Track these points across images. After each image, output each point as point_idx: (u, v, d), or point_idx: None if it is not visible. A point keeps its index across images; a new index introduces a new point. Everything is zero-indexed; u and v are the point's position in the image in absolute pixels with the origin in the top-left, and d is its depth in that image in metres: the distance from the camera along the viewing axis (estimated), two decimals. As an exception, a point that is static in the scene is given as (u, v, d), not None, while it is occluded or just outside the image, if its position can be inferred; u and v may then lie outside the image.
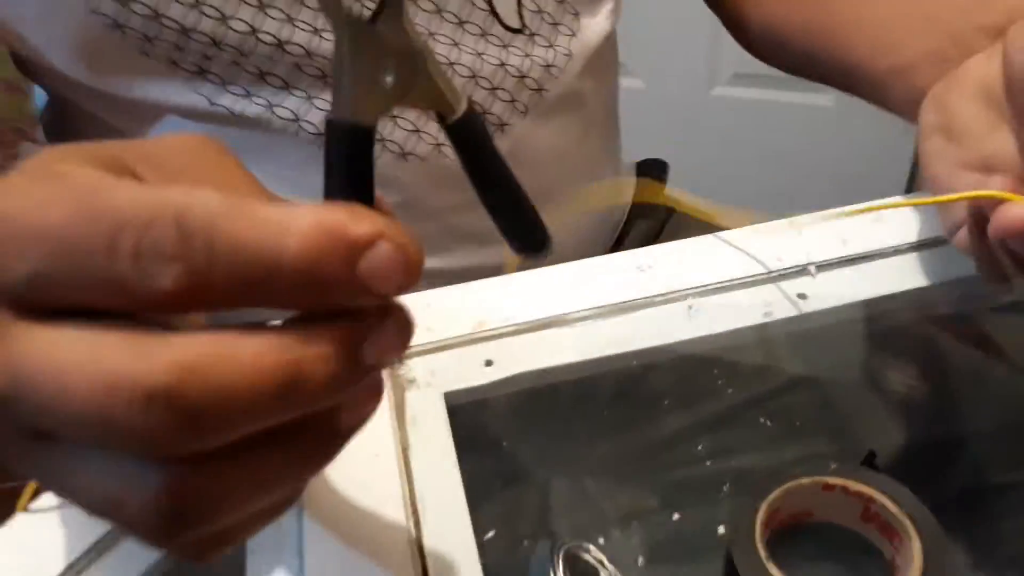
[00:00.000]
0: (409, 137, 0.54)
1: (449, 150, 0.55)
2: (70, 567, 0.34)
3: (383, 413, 0.39)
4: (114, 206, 0.19)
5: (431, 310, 0.45)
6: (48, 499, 0.36)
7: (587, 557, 0.31)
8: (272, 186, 0.55)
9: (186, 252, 0.19)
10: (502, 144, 0.58)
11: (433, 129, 0.55)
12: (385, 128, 0.53)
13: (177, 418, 0.19)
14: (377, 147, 0.53)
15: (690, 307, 0.43)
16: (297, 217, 0.19)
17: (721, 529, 0.31)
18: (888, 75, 0.50)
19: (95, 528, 0.35)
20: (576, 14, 0.59)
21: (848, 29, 0.55)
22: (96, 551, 0.34)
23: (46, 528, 0.35)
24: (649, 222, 0.74)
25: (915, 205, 0.45)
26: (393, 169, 0.54)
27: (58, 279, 0.20)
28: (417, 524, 0.34)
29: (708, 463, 0.35)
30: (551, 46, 0.58)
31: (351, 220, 0.20)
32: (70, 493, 0.22)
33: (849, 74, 0.55)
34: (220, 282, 0.19)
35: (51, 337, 0.20)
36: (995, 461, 0.36)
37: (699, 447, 0.36)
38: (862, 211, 0.43)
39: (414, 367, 0.41)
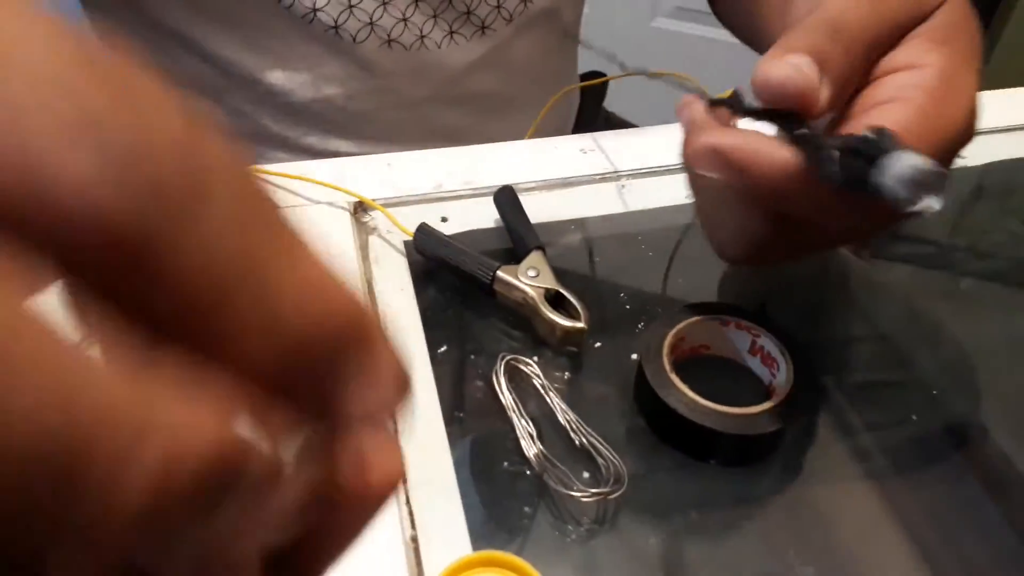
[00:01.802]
0: (397, 24, 0.56)
1: (432, 43, 0.58)
2: None
3: (347, 251, 0.44)
4: None
5: (392, 169, 0.49)
6: None
7: (524, 369, 0.37)
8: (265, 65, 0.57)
9: None
10: (480, 46, 0.61)
11: (420, 20, 0.57)
12: (375, 13, 0.55)
13: None
14: (365, 30, 0.55)
15: (622, 186, 0.49)
16: None
17: (635, 356, 0.38)
18: None
19: None
20: None
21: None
22: None
23: None
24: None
25: None
26: (377, 55, 0.57)
27: None
28: (379, 338, 0.39)
29: (628, 307, 0.42)
30: None
31: None
32: None
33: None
34: None
35: None
36: (854, 319, 0.44)
37: (621, 295, 0.42)
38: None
39: (377, 217, 0.46)
